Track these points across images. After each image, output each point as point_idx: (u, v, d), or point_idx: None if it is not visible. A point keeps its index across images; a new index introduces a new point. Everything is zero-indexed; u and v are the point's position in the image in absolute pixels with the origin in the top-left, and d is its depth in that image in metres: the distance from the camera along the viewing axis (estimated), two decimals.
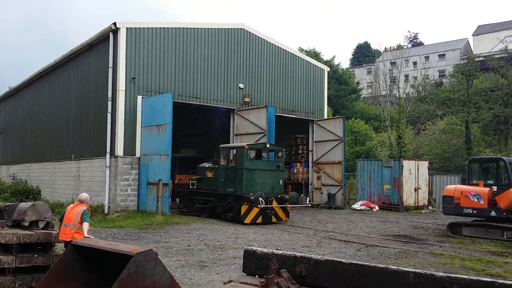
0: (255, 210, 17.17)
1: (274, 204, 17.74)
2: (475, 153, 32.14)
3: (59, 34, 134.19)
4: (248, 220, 17.19)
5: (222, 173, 18.59)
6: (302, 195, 27.84)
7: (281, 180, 18.79)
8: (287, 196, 18.30)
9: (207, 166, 20.26)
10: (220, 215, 18.61)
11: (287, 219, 18.54)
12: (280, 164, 18.76)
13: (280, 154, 18.95)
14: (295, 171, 29.07)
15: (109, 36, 20.28)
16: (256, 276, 4.01)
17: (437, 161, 35.22)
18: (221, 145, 19.60)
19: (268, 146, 18.77)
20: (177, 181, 24.56)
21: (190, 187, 20.50)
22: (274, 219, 17.87)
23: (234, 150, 18.40)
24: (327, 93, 30.21)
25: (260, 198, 16.90)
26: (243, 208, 17.28)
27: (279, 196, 18.04)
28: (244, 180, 17.49)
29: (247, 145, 18.09)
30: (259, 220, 17.36)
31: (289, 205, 18.46)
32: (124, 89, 20.01)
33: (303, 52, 46.99)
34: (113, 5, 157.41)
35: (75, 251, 5.04)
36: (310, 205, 21.50)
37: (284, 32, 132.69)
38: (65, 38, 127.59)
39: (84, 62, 23.57)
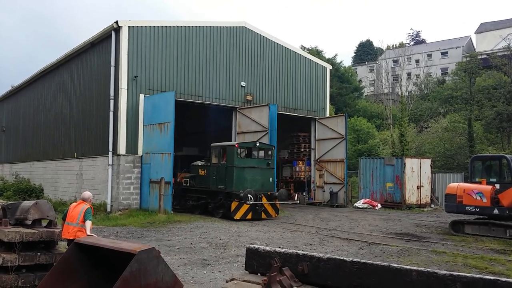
0: (245, 207, 17.63)
1: (264, 200, 18.28)
2: (477, 151, 32.05)
3: (56, 23, 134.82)
4: (238, 216, 17.63)
5: (213, 171, 19.16)
6: (304, 193, 27.91)
7: (271, 178, 19.33)
8: (277, 193, 18.91)
9: (199, 164, 20.76)
10: (212, 211, 19.12)
11: (276, 215, 19.03)
12: (270, 162, 19.25)
13: (270, 152, 19.42)
14: (297, 169, 29.09)
15: (111, 34, 20.30)
16: (259, 274, 4.01)
17: (439, 159, 35.15)
18: (212, 144, 20.03)
19: (258, 144, 19.25)
20: (179, 179, 24.63)
21: (184, 184, 20.83)
22: (263, 215, 18.39)
23: (225, 149, 18.86)
24: (329, 91, 30.17)
25: (249, 195, 17.43)
26: (233, 205, 17.75)
27: (269, 193, 18.59)
28: (234, 178, 18.07)
29: (237, 143, 18.68)
30: (249, 216, 17.83)
31: (278, 202, 18.99)
32: (126, 88, 20.04)
33: (305, 50, 46.91)
34: None
35: (78, 249, 5.05)
36: (298, 202, 21.93)
37: (286, 30, 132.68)
38: (61, 27, 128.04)
39: (86, 61, 23.60)
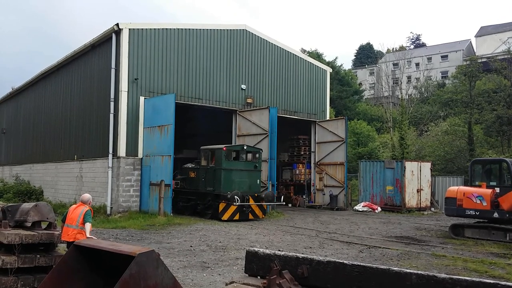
0: (232, 208, 18.14)
1: (251, 202, 18.82)
2: (477, 155, 32.03)
3: (52, 19, 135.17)
4: (225, 217, 18.15)
5: (203, 173, 19.77)
6: (304, 196, 27.91)
7: (258, 180, 20.03)
8: (264, 195, 19.52)
9: (190, 166, 21.19)
10: (201, 212, 19.64)
11: (263, 216, 19.63)
12: (257, 165, 19.92)
13: (257, 155, 20.05)
14: (297, 172, 29.10)
15: (111, 37, 20.33)
16: (258, 277, 4.00)
17: (439, 162, 35.12)
18: (202, 147, 20.53)
19: (245, 147, 19.91)
20: None
21: (175, 186, 20.91)
22: (251, 216, 18.91)
23: (214, 152, 19.38)
24: (330, 94, 30.19)
25: (236, 196, 17.93)
26: (221, 206, 18.30)
27: (256, 194, 19.21)
28: (222, 180, 18.69)
29: (225, 146, 19.30)
30: (237, 217, 18.35)
31: (264, 203, 19.54)
32: (127, 90, 20.06)
33: (306, 53, 46.97)
34: None
35: (77, 251, 5.04)
36: (284, 203, 22.24)
37: (286, 33, 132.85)
38: (57, 23, 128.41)
39: (86, 63, 23.62)
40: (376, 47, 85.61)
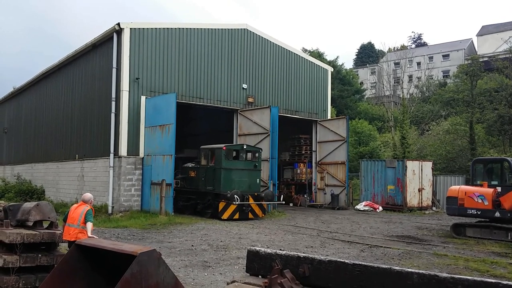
0: (232, 207, 18.22)
1: (251, 201, 18.89)
2: (479, 154, 31.99)
3: (51, 17, 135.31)
4: (225, 216, 18.22)
5: (203, 173, 19.88)
6: (305, 196, 27.91)
7: (258, 179, 20.14)
8: (263, 194, 19.63)
9: (190, 166, 21.26)
10: (201, 212, 19.71)
11: (263, 215, 19.69)
12: (257, 164, 20.01)
13: (257, 154, 20.15)
14: (298, 171, 29.10)
15: (112, 36, 20.34)
16: (259, 276, 4.00)
17: (441, 161, 35.09)
18: (202, 146, 20.62)
19: (245, 147, 19.98)
20: None
21: (175, 186, 20.89)
22: (250, 215, 18.97)
23: (213, 151, 19.46)
24: (331, 94, 30.16)
25: (235, 196, 18.03)
26: (221, 205, 18.39)
27: (255, 194, 19.28)
28: (222, 179, 18.80)
29: (224, 146, 19.38)
30: (236, 216, 18.41)
31: (264, 202, 19.63)
32: (128, 89, 20.06)
33: (307, 53, 46.94)
34: None
35: (79, 251, 5.04)
36: (284, 202, 22.29)
37: (287, 33, 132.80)
38: (55, 26, 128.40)
39: (88, 63, 23.63)
40: (378, 46, 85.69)
